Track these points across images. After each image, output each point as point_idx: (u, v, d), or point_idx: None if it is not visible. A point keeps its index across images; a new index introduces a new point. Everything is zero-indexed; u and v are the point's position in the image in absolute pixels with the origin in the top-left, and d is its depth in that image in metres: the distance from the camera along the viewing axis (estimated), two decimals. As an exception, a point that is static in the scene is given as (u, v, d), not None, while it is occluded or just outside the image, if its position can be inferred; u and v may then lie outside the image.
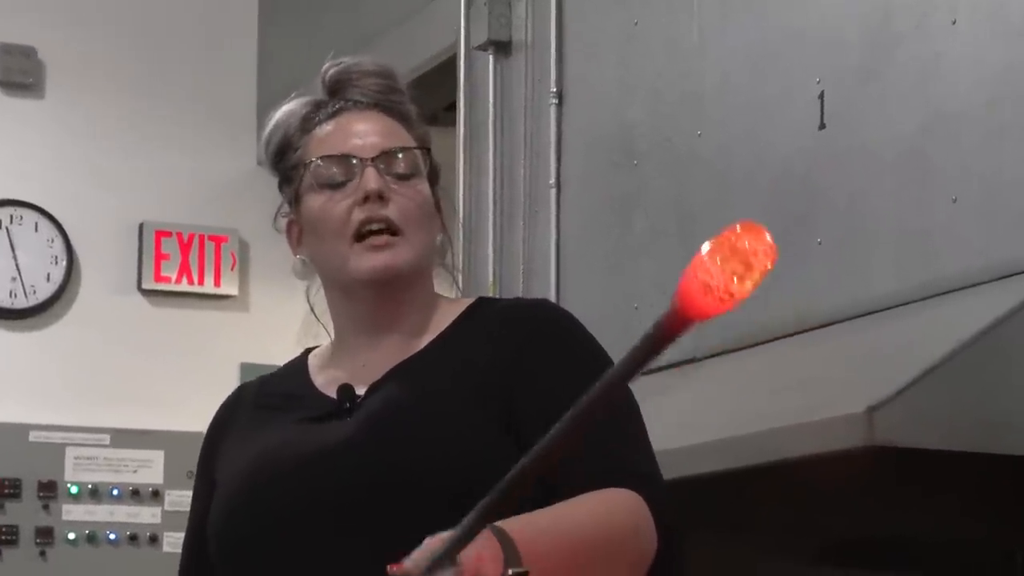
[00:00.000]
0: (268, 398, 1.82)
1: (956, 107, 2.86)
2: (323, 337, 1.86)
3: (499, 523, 1.46)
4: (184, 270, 5.88)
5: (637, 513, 1.61)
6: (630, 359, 1.12)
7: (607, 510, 1.60)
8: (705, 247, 1.07)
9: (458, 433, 1.67)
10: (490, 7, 4.31)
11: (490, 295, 4.03)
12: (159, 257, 5.86)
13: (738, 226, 1.08)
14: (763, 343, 3.24)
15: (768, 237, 1.08)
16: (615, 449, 1.65)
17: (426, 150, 1.81)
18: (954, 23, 2.89)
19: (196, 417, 5.39)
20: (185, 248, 5.88)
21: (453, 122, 4.44)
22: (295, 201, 1.81)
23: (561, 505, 1.60)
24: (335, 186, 1.76)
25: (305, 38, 5.48)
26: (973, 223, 2.81)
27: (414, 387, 1.72)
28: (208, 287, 5.91)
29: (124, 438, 5.74)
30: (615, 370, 1.16)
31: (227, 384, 2.00)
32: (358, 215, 1.75)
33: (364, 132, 1.78)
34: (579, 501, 1.60)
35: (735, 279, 1.06)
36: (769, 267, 1.06)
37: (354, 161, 1.76)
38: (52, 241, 5.77)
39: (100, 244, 5.83)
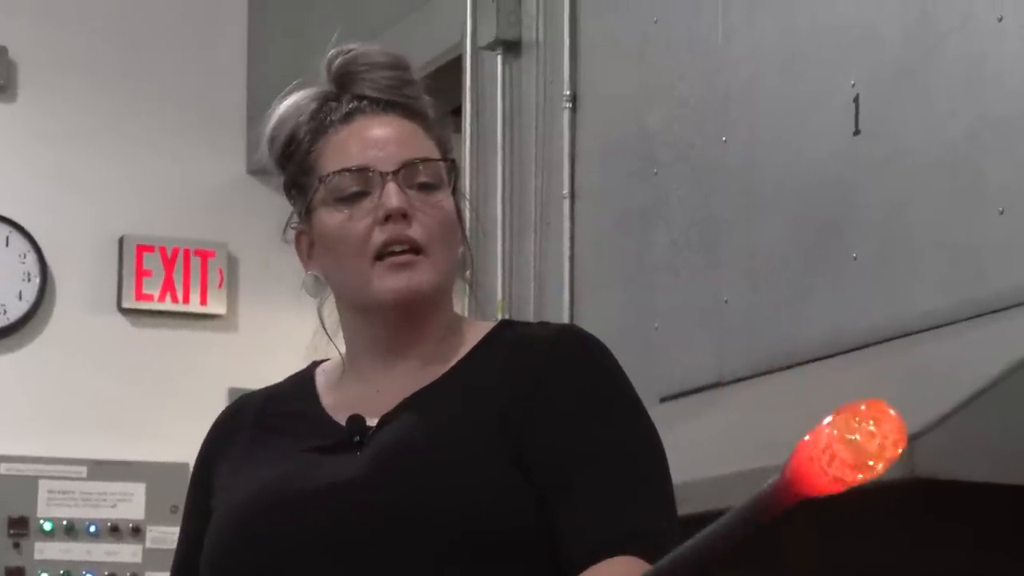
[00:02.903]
0: (272, 418, 1.82)
1: (1003, 111, 2.86)
2: (329, 351, 1.85)
3: None
4: (168, 287, 5.89)
5: None
6: (722, 529, 1.11)
7: None
8: (829, 423, 1.07)
9: (470, 477, 1.67)
10: (498, 3, 4.32)
11: (501, 316, 4.03)
12: (140, 273, 5.87)
13: (864, 405, 1.08)
14: (794, 366, 3.24)
15: (896, 419, 1.07)
16: (629, 508, 1.66)
17: (452, 161, 1.81)
18: (1000, 20, 2.89)
19: (180, 447, 5.43)
20: (169, 264, 5.89)
21: (458, 128, 4.45)
22: (307, 212, 1.80)
23: None
24: (352, 200, 1.76)
25: (298, 36, 5.50)
26: (1023, 235, 2.81)
27: (427, 423, 1.71)
28: (194, 306, 5.92)
29: (102, 470, 5.74)
30: (701, 542, 1.14)
31: (214, 411, 2.00)
32: (379, 236, 1.74)
33: (382, 141, 1.77)
34: None
35: (857, 467, 1.06)
36: (898, 453, 1.07)
37: (372, 174, 1.76)
38: (24, 256, 5.78)
39: (76, 259, 5.84)
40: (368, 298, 1.76)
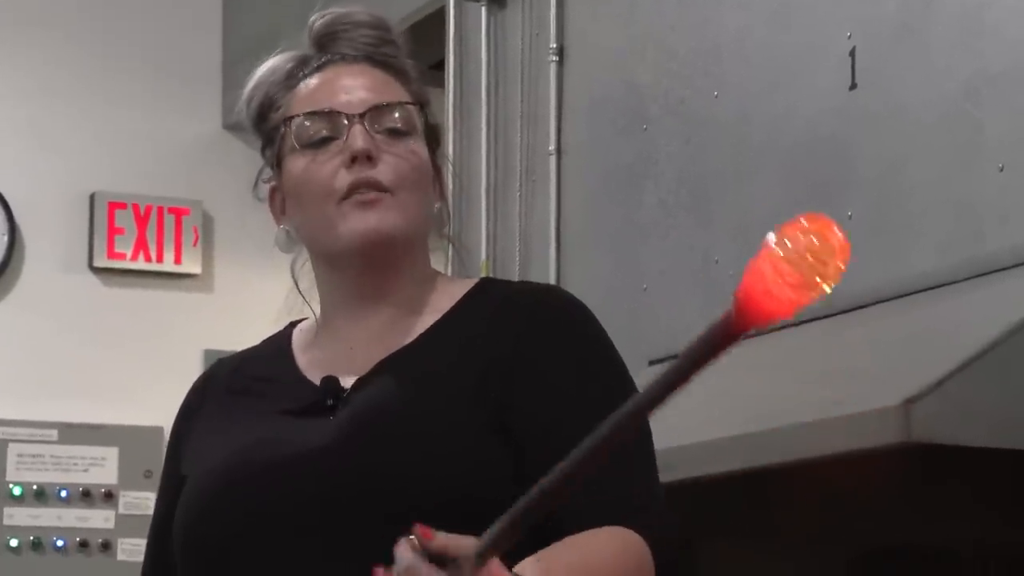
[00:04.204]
0: (246, 380, 1.82)
1: (1002, 65, 2.86)
2: (307, 315, 1.85)
3: (517, 568, 1.49)
4: (141, 246, 5.87)
5: (637, 561, 1.63)
6: (676, 370, 1.12)
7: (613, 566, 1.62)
8: (772, 239, 1.07)
9: (447, 443, 1.67)
10: (483, -48, 4.30)
11: (484, 275, 4.02)
12: (112, 231, 5.85)
13: (804, 220, 1.08)
14: (786, 328, 3.23)
15: (838, 231, 1.08)
16: (617, 477, 1.65)
17: (422, 106, 1.80)
18: (1002, -29, 2.88)
19: (154, 410, 5.44)
20: (142, 221, 5.87)
21: (441, 82, 4.44)
22: (277, 165, 1.81)
23: (569, 553, 1.60)
24: (319, 145, 1.76)
25: (276, -13, 5.47)
26: (1022, 194, 2.81)
27: (403, 386, 1.71)
28: (168, 265, 5.90)
29: (73, 433, 5.74)
30: (657, 383, 1.15)
31: (189, 373, 2.00)
32: (344, 178, 1.74)
33: (352, 87, 1.78)
34: (586, 552, 1.61)
35: (807, 278, 1.06)
36: (843, 267, 1.07)
37: (340, 117, 1.76)
38: (-7, 213, 5.76)
39: (46, 217, 5.82)
40: (335, 243, 1.75)
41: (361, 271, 1.77)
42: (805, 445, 2.58)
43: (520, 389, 1.69)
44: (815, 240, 1.08)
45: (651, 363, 3.56)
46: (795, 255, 1.08)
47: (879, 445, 2.48)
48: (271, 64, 1.83)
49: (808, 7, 3.29)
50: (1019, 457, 2.52)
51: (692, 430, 2.84)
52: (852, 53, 3.16)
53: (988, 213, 2.86)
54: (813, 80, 3.26)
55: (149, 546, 1.84)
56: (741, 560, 3.29)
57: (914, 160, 3.03)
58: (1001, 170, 2.85)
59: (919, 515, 2.93)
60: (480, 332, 1.74)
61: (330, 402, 1.74)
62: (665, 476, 1.76)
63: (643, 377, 1.76)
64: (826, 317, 3.14)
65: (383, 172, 1.74)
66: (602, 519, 1.63)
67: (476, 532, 1.63)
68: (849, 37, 3.17)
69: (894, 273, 3.03)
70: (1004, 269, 2.80)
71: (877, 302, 3.05)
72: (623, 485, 1.66)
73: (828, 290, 1.08)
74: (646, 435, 1.71)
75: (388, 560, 1.44)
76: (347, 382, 1.75)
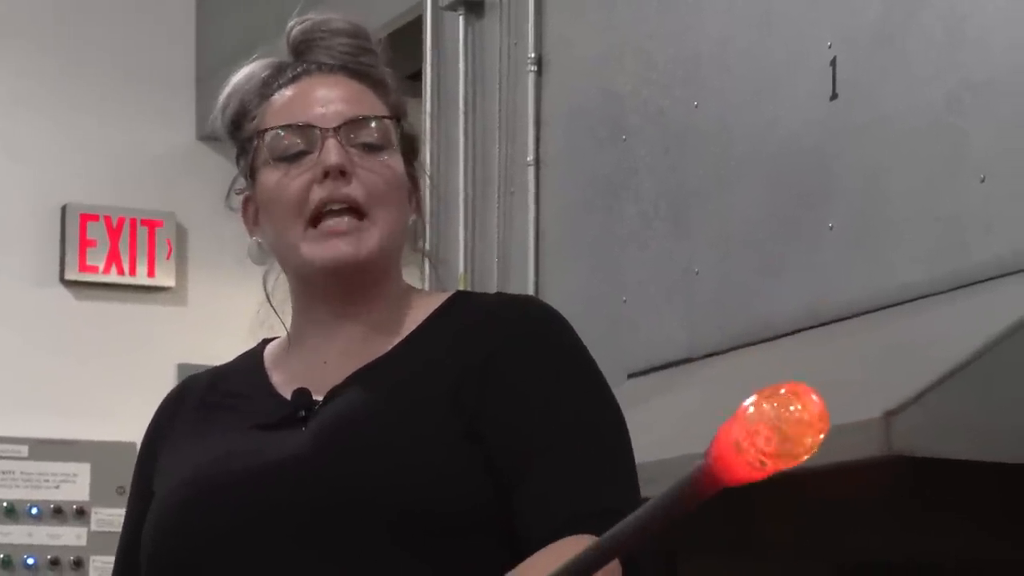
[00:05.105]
0: (218, 396, 1.82)
1: (985, 74, 2.87)
2: (280, 329, 1.86)
3: None
4: (113, 258, 5.87)
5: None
6: (650, 513, 1.12)
7: None
8: (750, 406, 1.07)
9: (419, 454, 1.67)
10: (460, -40, 4.31)
11: (461, 287, 4.03)
12: (84, 244, 5.85)
13: (784, 389, 1.07)
14: (767, 340, 3.25)
15: (818, 403, 1.07)
16: (596, 488, 1.66)
17: (398, 119, 1.80)
18: (983, -21, 2.90)
19: (127, 425, 5.42)
20: (114, 234, 5.87)
21: (418, 92, 4.45)
22: (250, 176, 1.80)
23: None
24: (292, 159, 1.76)
25: (250, -4, 5.48)
26: (1005, 204, 2.82)
27: (375, 398, 1.71)
28: (140, 278, 5.90)
29: (44, 449, 5.73)
30: (626, 526, 1.15)
31: (162, 388, 2.00)
32: (317, 194, 1.74)
33: (327, 99, 1.77)
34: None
35: (779, 453, 1.06)
36: (820, 440, 1.07)
37: (315, 131, 1.76)
38: (-38, 226, 5.76)
39: (17, 229, 5.81)
40: (301, 266, 1.76)
41: (332, 291, 1.77)
42: (786, 458, 2.58)
43: (494, 400, 1.69)
44: (794, 410, 1.07)
45: (631, 376, 3.57)
46: (770, 424, 1.07)
47: (860, 458, 2.49)
48: (247, 71, 1.83)
49: (788, 16, 3.31)
50: (1001, 470, 2.53)
51: (673, 443, 2.85)
52: (833, 63, 3.17)
53: (971, 223, 2.88)
54: (794, 90, 3.27)
55: (117, 562, 1.84)
56: (724, 574, 3.30)
57: (896, 170, 3.04)
58: (983, 180, 2.86)
59: (900, 528, 2.94)
60: (453, 343, 1.74)
61: (302, 414, 1.74)
62: (646, 490, 1.76)
63: (623, 391, 1.76)
64: (808, 329, 3.16)
65: (357, 188, 1.74)
66: (578, 529, 1.64)
67: (446, 541, 1.64)
68: (830, 47, 3.19)
69: (876, 284, 3.05)
70: (987, 280, 2.81)
71: (858, 314, 3.06)
72: (601, 496, 1.66)
73: (805, 457, 1.07)
74: (626, 448, 1.72)
75: (360, 570, 1.43)
76: (319, 395, 1.75)
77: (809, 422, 1.08)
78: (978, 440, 2.50)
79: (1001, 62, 2.84)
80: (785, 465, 1.07)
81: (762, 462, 1.08)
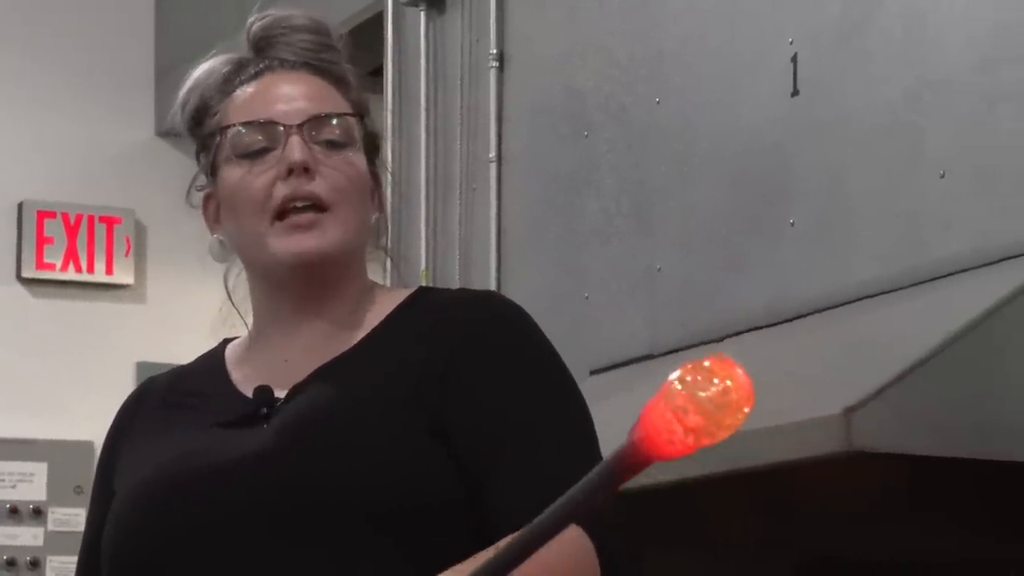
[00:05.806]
0: (178, 396, 1.83)
1: (943, 72, 2.90)
2: (241, 328, 1.86)
3: None
4: (71, 256, 5.86)
5: (583, 565, 1.64)
6: (583, 491, 1.14)
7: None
8: (676, 381, 1.08)
9: (381, 451, 1.68)
10: (421, -44, 4.33)
11: (423, 283, 4.05)
12: (41, 241, 5.84)
13: (709, 362, 1.08)
14: (729, 337, 3.27)
15: (743, 376, 1.09)
16: (557, 477, 1.67)
17: (361, 117, 1.81)
18: (942, -23, 2.93)
19: (85, 424, 5.41)
20: (72, 231, 5.86)
21: (379, 89, 4.45)
22: (212, 172, 1.81)
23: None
24: (255, 156, 1.77)
25: (209, -9, 5.48)
26: (964, 201, 2.84)
27: (338, 394, 1.72)
28: (99, 275, 5.89)
29: (1, 448, 5.72)
30: (564, 504, 1.16)
31: (121, 386, 2.01)
32: (281, 190, 1.75)
33: (290, 95, 1.78)
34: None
35: (704, 424, 1.07)
36: (746, 413, 1.08)
37: (278, 128, 1.76)
38: (-82, 223, 5.74)
39: (-26, 226, 5.80)
40: (268, 260, 1.76)
41: (297, 287, 1.78)
42: (747, 455, 2.61)
43: (456, 396, 1.70)
44: (719, 384, 1.08)
45: (592, 372, 3.59)
46: (696, 399, 1.08)
47: (820, 454, 2.51)
48: (207, 66, 1.83)
49: (750, 13, 3.33)
50: (960, 465, 2.56)
51: (634, 440, 2.87)
52: (794, 59, 3.20)
53: (930, 220, 2.90)
54: (755, 87, 3.29)
55: (80, 563, 1.84)
56: (684, 571, 3.32)
57: (856, 167, 3.07)
58: (943, 177, 2.89)
59: (862, 523, 2.96)
60: (416, 339, 1.75)
61: (264, 411, 1.75)
62: (607, 485, 1.78)
63: (585, 388, 1.79)
64: (768, 327, 3.18)
65: (320, 185, 1.75)
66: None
67: (411, 538, 1.65)
68: (791, 43, 3.21)
69: (836, 281, 3.07)
70: (946, 276, 2.84)
71: (818, 310, 3.08)
72: (569, 488, 1.68)
73: (730, 432, 1.08)
74: (592, 439, 1.73)
75: (321, 567, 1.44)
76: (281, 393, 1.76)
77: (735, 397, 1.09)
78: (938, 436, 2.53)
79: (959, 60, 2.87)
80: (711, 440, 1.08)
81: (688, 437, 1.08)
